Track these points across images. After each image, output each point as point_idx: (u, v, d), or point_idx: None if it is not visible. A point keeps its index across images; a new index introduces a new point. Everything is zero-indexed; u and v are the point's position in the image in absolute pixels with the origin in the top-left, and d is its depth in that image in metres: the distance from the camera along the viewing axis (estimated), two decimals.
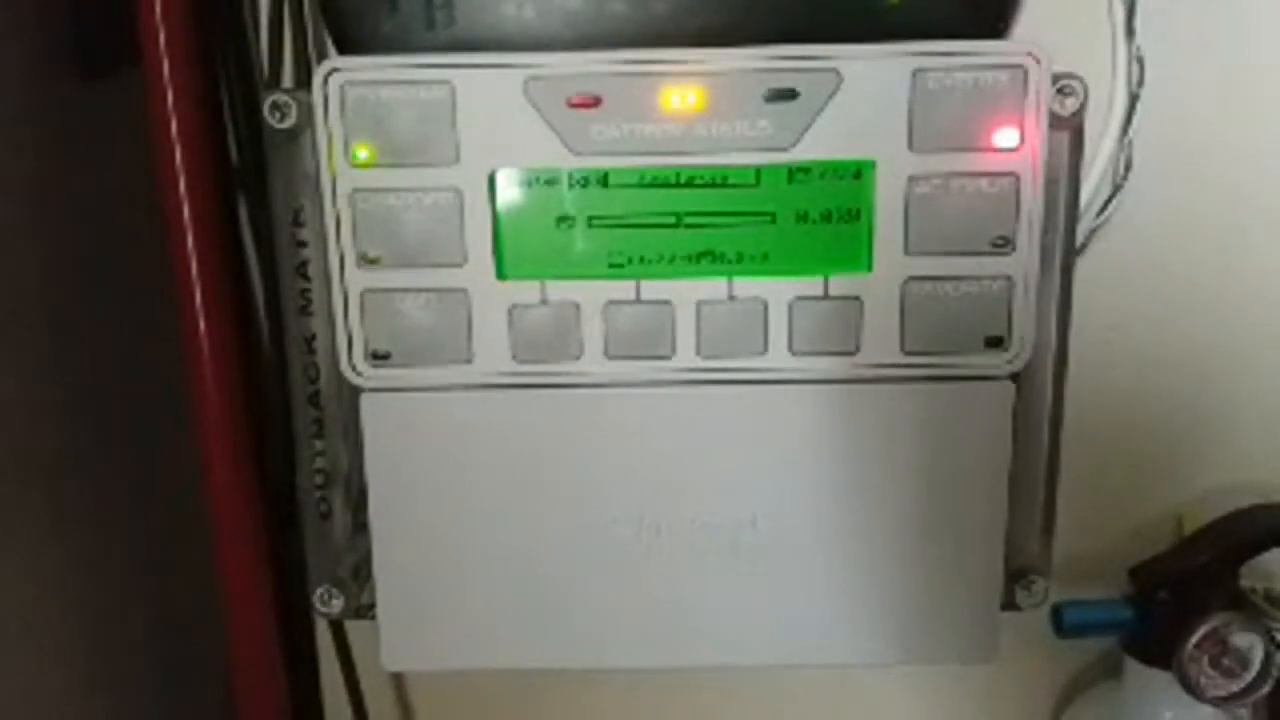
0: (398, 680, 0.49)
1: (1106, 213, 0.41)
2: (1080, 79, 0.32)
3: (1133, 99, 0.40)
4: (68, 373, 0.40)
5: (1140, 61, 0.39)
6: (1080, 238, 0.41)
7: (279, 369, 0.37)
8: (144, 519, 0.44)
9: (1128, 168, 0.40)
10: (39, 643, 0.38)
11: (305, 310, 0.35)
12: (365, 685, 0.46)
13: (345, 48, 0.33)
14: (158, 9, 0.36)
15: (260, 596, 0.42)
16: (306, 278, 0.35)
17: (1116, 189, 0.41)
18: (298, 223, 0.35)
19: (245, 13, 0.40)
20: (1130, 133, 0.40)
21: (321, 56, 0.40)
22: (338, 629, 0.44)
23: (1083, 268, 0.41)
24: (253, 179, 0.39)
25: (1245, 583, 0.42)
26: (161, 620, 0.45)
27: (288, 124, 0.33)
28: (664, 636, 0.36)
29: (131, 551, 0.43)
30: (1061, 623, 0.42)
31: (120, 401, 0.43)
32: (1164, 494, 0.46)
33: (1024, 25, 0.33)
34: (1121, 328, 0.44)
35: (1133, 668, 0.44)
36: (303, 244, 0.35)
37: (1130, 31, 0.39)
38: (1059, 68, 0.32)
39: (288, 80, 0.40)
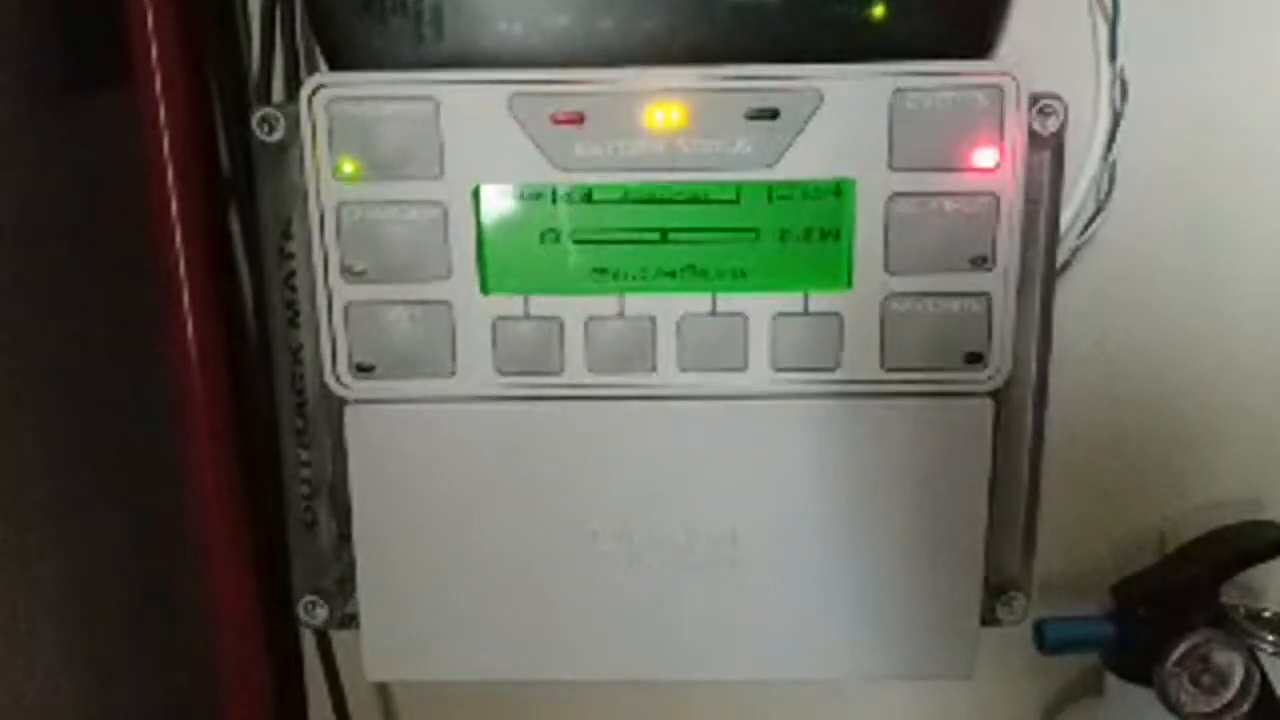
0: (383, 690, 0.49)
1: (1090, 231, 0.41)
2: (1060, 99, 0.33)
3: (1116, 118, 0.40)
4: (55, 384, 0.40)
5: (1123, 81, 0.40)
6: (1064, 256, 0.41)
7: (267, 379, 0.37)
8: (132, 530, 0.44)
9: (1111, 187, 0.41)
10: (27, 655, 0.38)
11: (293, 321, 0.36)
12: (350, 696, 0.46)
13: (336, 62, 0.34)
14: (150, 22, 0.37)
15: (247, 606, 0.42)
16: (294, 289, 0.35)
17: (1100, 208, 0.41)
18: (286, 235, 0.35)
19: (239, 25, 0.41)
20: (1113, 152, 0.40)
21: (313, 70, 0.40)
22: (323, 639, 0.45)
23: (1066, 286, 0.41)
24: (245, 189, 0.40)
25: (1227, 599, 0.42)
26: (146, 627, 0.45)
27: (276, 137, 0.33)
28: (646, 649, 0.37)
29: (117, 562, 0.43)
30: (1044, 639, 0.42)
31: (107, 412, 0.43)
32: (1147, 510, 0.46)
33: (1008, 45, 0.33)
34: (1105, 345, 0.44)
35: (1114, 684, 0.44)
36: (290, 255, 0.35)
37: (1113, 52, 0.39)
38: (1042, 88, 0.32)
39: (279, 93, 0.40)
